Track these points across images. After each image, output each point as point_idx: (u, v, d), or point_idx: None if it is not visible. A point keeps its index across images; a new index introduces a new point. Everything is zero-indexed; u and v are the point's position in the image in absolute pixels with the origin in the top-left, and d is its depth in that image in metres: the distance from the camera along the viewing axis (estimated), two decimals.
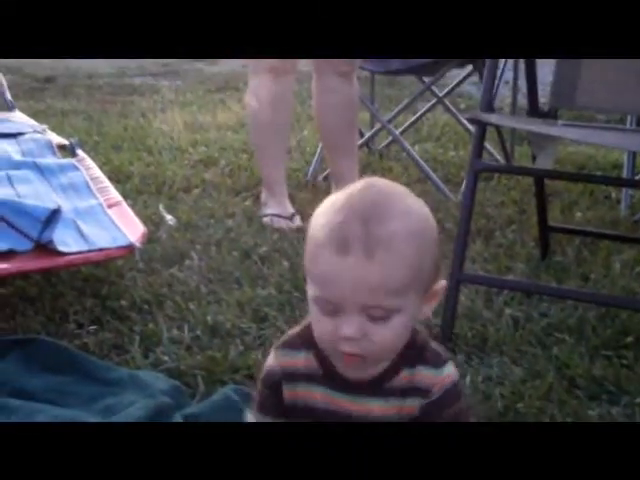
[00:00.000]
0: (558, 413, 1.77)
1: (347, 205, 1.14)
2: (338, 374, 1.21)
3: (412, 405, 1.20)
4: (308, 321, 1.22)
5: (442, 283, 1.20)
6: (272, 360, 1.25)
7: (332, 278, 1.11)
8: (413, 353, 1.20)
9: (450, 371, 1.21)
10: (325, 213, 1.15)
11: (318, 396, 1.23)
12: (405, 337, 1.17)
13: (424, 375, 1.20)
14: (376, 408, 1.20)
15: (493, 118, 2.34)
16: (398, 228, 1.12)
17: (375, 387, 1.20)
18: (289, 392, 1.24)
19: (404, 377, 1.20)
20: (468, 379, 1.90)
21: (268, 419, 1.26)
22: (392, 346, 1.16)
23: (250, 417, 1.31)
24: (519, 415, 1.75)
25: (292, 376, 1.23)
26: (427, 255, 1.15)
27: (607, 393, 1.86)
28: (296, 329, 1.27)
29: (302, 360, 1.23)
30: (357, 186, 1.17)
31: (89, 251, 2.24)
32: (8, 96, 3.43)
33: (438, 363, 1.21)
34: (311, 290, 1.15)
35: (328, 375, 1.22)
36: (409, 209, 1.16)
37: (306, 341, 1.22)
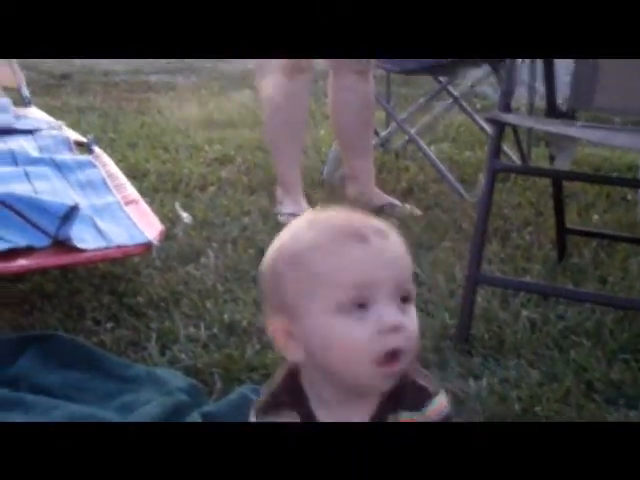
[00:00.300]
0: (576, 417, 1.76)
1: (328, 218, 1.15)
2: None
3: None
4: (280, 375, 1.18)
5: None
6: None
7: (363, 261, 1.09)
8: (392, 397, 1.13)
9: (434, 406, 1.14)
10: (309, 230, 1.13)
11: None
12: None
13: (406, 420, 1.13)
14: None
15: (511, 118, 2.34)
16: (384, 224, 1.15)
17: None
18: None
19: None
20: (485, 381, 1.90)
21: None
22: (417, 339, 1.12)
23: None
24: (536, 418, 1.74)
25: None
26: None
27: (625, 397, 1.86)
28: (271, 389, 1.18)
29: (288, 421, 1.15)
30: (314, 213, 1.18)
31: (107, 248, 2.25)
32: (25, 92, 3.44)
33: (419, 403, 1.13)
34: (333, 296, 1.08)
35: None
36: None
37: (287, 398, 1.16)
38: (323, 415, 1.14)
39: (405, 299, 1.10)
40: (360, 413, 1.13)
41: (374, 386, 1.11)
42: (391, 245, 1.11)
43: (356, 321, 1.07)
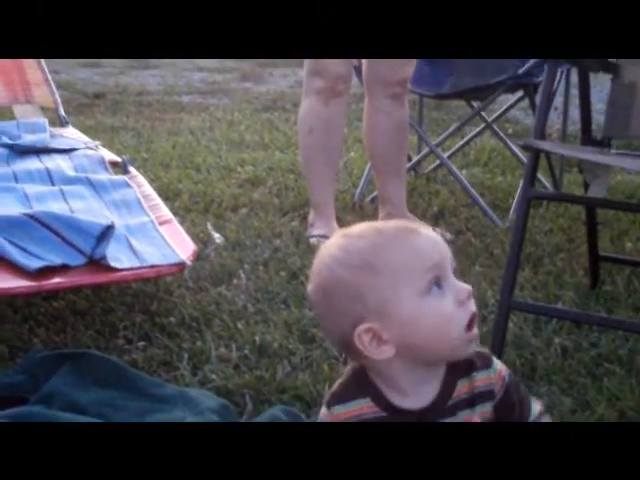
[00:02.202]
0: None
1: (369, 227, 1.25)
2: (402, 410, 1.22)
3: (483, 411, 1.24)
4: (349, 370, 1.27)
5: None
6: (329, 417, 1.25)
7: (427, 245, 1.20)
8: (462, 363, 1.24)
9: (500, 365, 1.28)
10: (360, 240, 1.22)
11: None
12: None
13: (482, 379, 1.25)
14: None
15: (547, 145, 2.33)
16: None
17: (439, 408, 1.23)
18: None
19: (465, 387, 1.24)
20: None
21: None
22: None
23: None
24: None
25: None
26: None
27: None
28: (341, 380, 1.28)
29: (362, 407, 1.24)
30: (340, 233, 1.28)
31: (140, 267, 2.26)
32: (62, 112, 3.48)
33: (488, 363, 1.26)
34: (415, 282, 1.18)
35: (391, 415, 1.23)
36: None
37: (359, 388, 1.24)
38: (394, 396, 1.23)
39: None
40: (431, 385, 1.23)
41: (464, 353, 1.22)
42: (433, 232, 1.24)
43: (439, 298, 1.18)
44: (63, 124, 3.44)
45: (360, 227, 1.25)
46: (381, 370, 1.23)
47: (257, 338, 2.21)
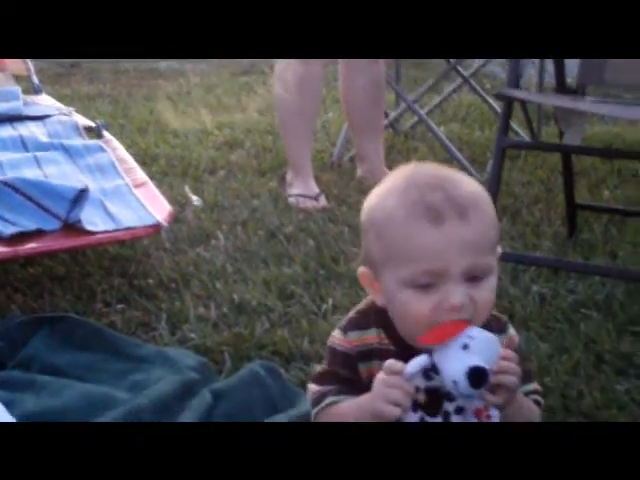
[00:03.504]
0: (585, 388, 1.76)
1: (412, 183, 1.18)
2: (411, 348, 1.20)
3: None
4: (369, 300, 1.26)
5: (499, 248, 1.22)
6: (343, 341, 1.24)
7: (435, 248, 1.13)
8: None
9: (513, 332, 1.27)
10: (391, 196, 1.18)
11: None
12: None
13: None
14: None
15: (519, 94, 2.33)
16: (474, 189, 1.18)
17: None
18: (365, 370, 1.23)
19: None
20: None
21: (332, 390, 1.24)
22: (491, 307, 1.18)
23: (311, 386, 1.28)
24: (547, 389, 1.74)
25: (367, 354, 1.23)
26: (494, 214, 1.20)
27: (635, 368, 1.86)
28: (359, 308, 1.27)
29: (375, 337, 1.23)
30: (407, 169, 1.21)
31: (116, 230, 2.26)
32: (35, 80, 3.44)
33: (502, 328, 1.25)
34: (402, 272, 1.14)
35: (400, 350, 1.21)
36: (463, 176, 1.21)
37: (375, 319, 1.24)
38: (408, 336, 1.19)
39: (480, 276, 1.14)
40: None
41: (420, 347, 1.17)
42: (469, 225, 1.13)
43: (419, 295, 1.14)
44: (37, 92, 3.41)
45: (421, 182, 1.17)
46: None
47: (236, 297, 2.21)
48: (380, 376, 1.15)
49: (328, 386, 1.25)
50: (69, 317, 2.05)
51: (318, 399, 1.25)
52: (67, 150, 2.72)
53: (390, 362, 1.15)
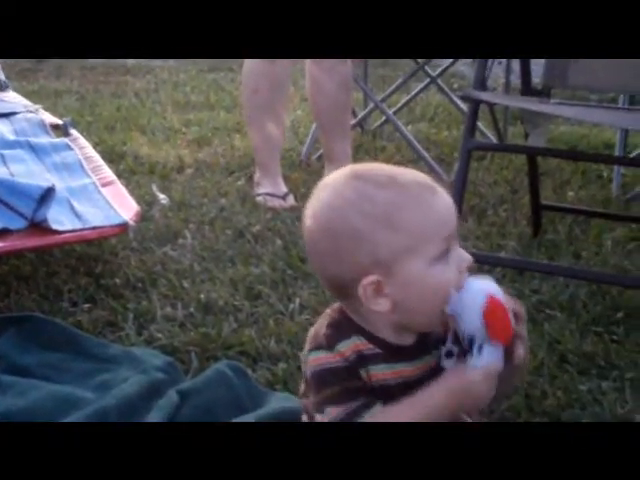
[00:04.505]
0: (549, 387, 1.79)
1: (376, 173, 1.21)
2: (393, 346, 1.22)
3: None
4: (331, 314, 1.25)
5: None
6: (335, 357, 1.20)
7: (445, 214, 1.19)
8: None
9: None
10: (378, 191, 1.18)
11: (389, 374, 1.23)
12: None
13: None
14: (429, 363, 1.24)
15: (485, 96, 2.35)
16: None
17: (425, 343, 1.23)
18: (364, 376, 1.22)
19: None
20: None
21: (358, 403, 1.20)
22: None
23: (333, 412, 1.21)
24: None
25: (361, 360, 1.21)
26: None
27: (597, 368, 1.88)
28: (328, 322, 1.24)
29: (360, 343, 1.22)
30: (351, 168, 1.23)
31: (83, 229, 2.25)
32: (2, 76, 3.42)
33: None
34: (430, 249, 1.16)
35: (386, 351, 1.22)
36: None
37: (349, 329, 1.23)
38: (386, 335, 1.22)
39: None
40: (410, 337, 1.24)
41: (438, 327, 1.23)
42: (446, 192, 1.21)
43: (446, 266, 1.18)
44: (3, 88, 3.38)
45: (375, 170, 1.21)
46: (367, 317, 1.22)
47: (203, 296, 2.21)
48: (476, 378, 1.17)
49: (351, 403, 1.19)
50: (36, 317, 2.04)
51: (349, 419, 1.19)
52: (34, 148, 2.70)
53: (491, 367, 1.17)
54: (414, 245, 1.16)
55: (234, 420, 1.64)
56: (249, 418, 1.64)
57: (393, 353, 1.22)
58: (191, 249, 2.54)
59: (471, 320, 1.16)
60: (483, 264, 2.35)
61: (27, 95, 3.66)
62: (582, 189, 3.15)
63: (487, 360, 1.16)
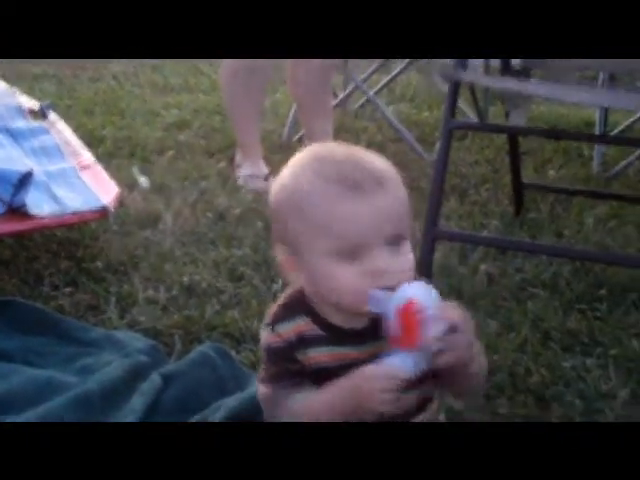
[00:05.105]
0: (533, 365, 1.79)
1: (326, 160, 1.21)
2: (339, 329, 1.23)
3: None
4: (290, 291, 1.28)
5: None
6: (275, 337, 1.25)
7: (358, 219, 1.16)
8: None
9: None
10: (305, 175, 1.20)
11: (327, 357, 1.24)
12: None
13: None
14: (381, 348, 1.22)
15: (466, 75, 2.34)
16: (383, 163, 1.21)
17: (374, 330, 1.22)
18: (304, 359, 1.24)
19: None
20: None
21: (288, 388, 1.25)
22: (413, 269, 1.21)
23: (263, 389, 1.29)
24: (495, 367, 1.76)
25: (300, 343, 1.24)
26: None
27: (581, 345, 1.89)
28: (281, 301, 1.28)
29: (303, 325, 1.24)
30: (313, 149, 1.25)
31: (62, 214, 2.22)
32: None
33: None
34: (328, 244, 1.16)
35: (330, 334, 1.24)
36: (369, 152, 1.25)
37: (299, 308, 1.25)
38: (331, 316, 1.24)
39: (398, 239, 1.18)
40: (362, 321, 1.23)
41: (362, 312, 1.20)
42: (388, 194, 1.17)
43: (349, 267, 1.17)
44: None
45: (327, 158, 1.21)
46: (313, 298, 1.24)
47: (185, 279, 2.20)
48: (372, 376, 1.16)
49: (281, 383, 1.25)
50: (16, 301, 2.01)
51: (274, 399, 1.26)
52: (11, 132, 2.66)
53: (392, 369, 1.15)
54: (315, 237, 1.18)
55: (218, 402, 1.63)
56: (232, 401, 1.63)
57: (338, 336, 1.23)
58: (172, 232, 2.53)
59: (389, 323, 1.16)
60: (466, 243, 2.36)
61: (3, 78, 3.62)
62: (563, 168, 3.16)
63: (393, 363, 1.16)
